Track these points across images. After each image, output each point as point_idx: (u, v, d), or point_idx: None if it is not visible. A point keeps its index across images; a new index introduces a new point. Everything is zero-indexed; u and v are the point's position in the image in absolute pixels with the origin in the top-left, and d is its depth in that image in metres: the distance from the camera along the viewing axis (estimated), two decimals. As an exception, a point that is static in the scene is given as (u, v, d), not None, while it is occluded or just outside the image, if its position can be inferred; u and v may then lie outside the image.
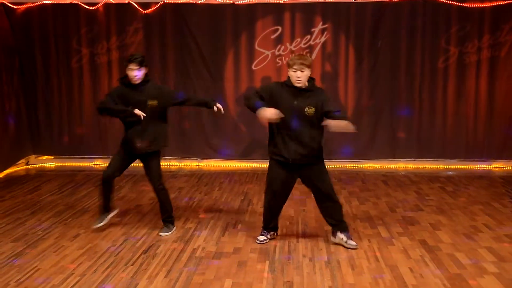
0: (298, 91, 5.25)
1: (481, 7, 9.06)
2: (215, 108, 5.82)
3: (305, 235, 5.82)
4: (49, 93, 9.66)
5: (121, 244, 5.55)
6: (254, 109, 5.24)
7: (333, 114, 5.20)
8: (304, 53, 5.04)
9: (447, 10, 9.12)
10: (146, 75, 5.71)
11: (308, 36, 9.35)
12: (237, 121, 9.59)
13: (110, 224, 6.15)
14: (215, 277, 4.73)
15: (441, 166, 9.45)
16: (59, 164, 9.74)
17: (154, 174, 5.83)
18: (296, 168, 5.38)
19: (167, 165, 9.34)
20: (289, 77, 5.29)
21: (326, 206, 5.51)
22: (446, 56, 9.27)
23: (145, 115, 5.58)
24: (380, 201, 7.27)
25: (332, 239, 5.57)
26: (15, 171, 9.25)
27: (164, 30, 9.43)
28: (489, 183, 8.32)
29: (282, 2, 9.26)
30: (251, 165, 9.53)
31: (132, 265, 5.00)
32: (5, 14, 9.20)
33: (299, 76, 5.19)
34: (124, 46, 9.46)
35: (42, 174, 9.05)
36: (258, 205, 7.04)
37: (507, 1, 8.98)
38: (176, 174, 8.89)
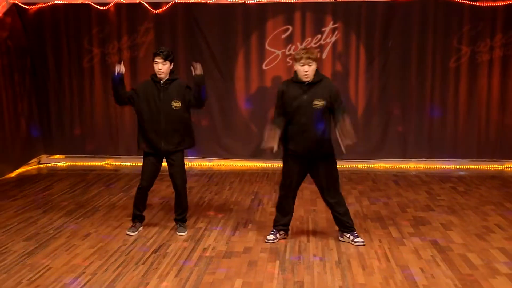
0: (306, 86, 5.26)
1: (493, 6, 9.00)
2: (193, 72, 5.64)
3: (315, 235, 5.81)
4: (60, 93, 9.72)
5: (132, 243, 5.57)
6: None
7: (336, 109, 5.27)
8: (309, 46, 5.07)
9: (459, 9, 9.07)
10: (172, 72, 5.67)
11: (319, 36, 9.33)
12: (248, 121, 9.59)
13: (120, 224, 6.18)
14: (226, 276, 4.73)
15: (453, 166, 9.40)
16: (71, 163, 9.80)
17: (178, 172, 5.81)
18: (307, 162, 5.40)
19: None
20: (295, 72, 5.30)
21: (329, 203, 5.53)
22: (458, 55, 9.21)
23: (119, 70, 5.58)
24: (391, 201, 7.24)
25: (340, 239, 5.59)
26: (27, 170, 9.31)
27: (175, 29, 9.45)
28: (501, 183, 8.26)
29: (292, 1, 9.25)
30: (262, 164, 9.53)
31: (142, 264, 5.02)
32: (17, 14, 9.27)
33: (307, 71, 5.20)
34: (135, 46, 9.50)
35: (54, 174, 9.11)
36: (269, 204, 7.03)
37: (520, 0, 8.93)
38: (186, 174, 8.88)
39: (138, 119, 5.79)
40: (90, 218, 6.48)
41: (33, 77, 9.60)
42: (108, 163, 9.80)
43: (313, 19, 9.32)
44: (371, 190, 7.85)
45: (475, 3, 9.01)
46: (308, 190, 7.39)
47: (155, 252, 5.32)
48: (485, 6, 9.01)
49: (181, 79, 5.95)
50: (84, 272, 4.82)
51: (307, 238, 5.70)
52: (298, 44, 9.34)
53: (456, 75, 9.28)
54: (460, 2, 9.04)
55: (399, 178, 8.65)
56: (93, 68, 9.65)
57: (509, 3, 8.96)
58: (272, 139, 5.29)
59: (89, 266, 4.97)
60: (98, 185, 8.23)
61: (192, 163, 9.63)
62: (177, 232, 5.85)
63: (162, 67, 5.58)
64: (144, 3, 9.35)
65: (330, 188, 5.49)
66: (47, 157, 9.91)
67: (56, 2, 9.42)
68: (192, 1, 9.33)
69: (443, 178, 8.63)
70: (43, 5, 9.41)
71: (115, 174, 8.99)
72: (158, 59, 5.58)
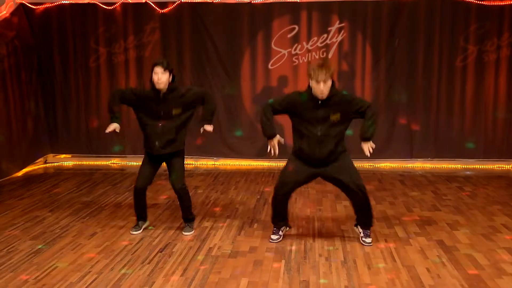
0: (320, 101, 5.20)
1: (501, 4, 8.96)
2: (201, 130, 5.78)
3: (321, 235, 5.80)
4: (67, 92, 9.76)
5: (137, 243, 5.58)
6: (265, 133, 5.41)
7: (364, 113, 5.24)
8: (322, 62, 5.01)
9: (466, 8, 9.04)
10: (171, 83, 5.63)
11: (325, 35, 9.32)
12: (254, 120, 9.59)
13: (126, 223, 6.20)
14: (231, 276, 4.73)
15: (459, 165, 9.37)
16: (77, 162, 9.84)
17: (176, 174, 5.75)
18: (314, 170, 5.38)
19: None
20: (309, 86, 5.23)
21: (353, 201, 5.49)
22: (465, 54, 9.18)
23: (112, 130, 5.72)
24: (397, 200, 7.23)
25: (354, 228, 5.65)
26: (34, 170, 9.35)
27: (181, 29, 9.46)
28: (508, 183, 8.22)
29: (298, 1, 9.24)
30: (267, 164, 9.53)
31: (148, 263, 5.03)
32: (24, 14, 9.30)
33: (323, 89, 5.10)
34: (141, 45, 9.52)
35: (60, 173, 9.14)
36: (274, 204, 7.03)
37: (527, -1, 8.88)
38: (192, 173, 8.92)
39: (138, 123, 5.83)
40: (96, 217, 6.50)
41: (40, 77, 9.63)
42: (114, 162, 9.82)
43: (319, 19, 9.31)
44: (377, 189, 7.84)
45: (482, 2, 8.98)
46: (314, 190, 7.38)
47: (160, 252, 5.33)
48: (492, 5, 8.97)
49: (182, 85, 5.94)
50: (90, 271, 4.84)
51: (312, 238, 5.70)
52: (304, 43, 9.33)
53: (463, 74, 9.25)
54: (467, 0, 9.00)
55: (405, 177, 8.63)
56: (99, 68, 9.67)
57: (516, 2, 8.94)
58: (275, 147, 5.38)
59: (95, 265, 4.99)
60: (104, 184, 8.25)
61: (198, 163, 9.65)
62: (183, 232, 5.85)
63: (161, 77, 5.52)
64: (150, 3, 9.37)
65: (355, 178, 5.36)
66: (53, 156, 9.95)
67: (62, 1, 9.44)
68: (198, 1, 9.33)
69: (450, 177, 8.60)
70: (50, 4, 9.44)
71: (121, 174, 9.02)
72: (157, 69, 5.54)
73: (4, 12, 8.77)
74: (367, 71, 9.39)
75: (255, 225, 6.16)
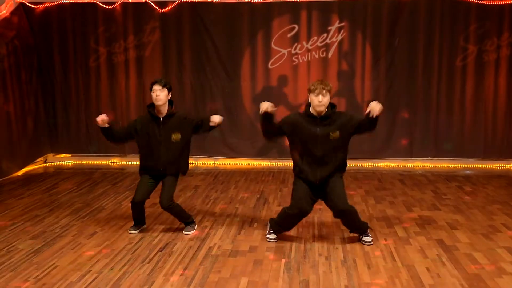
0: (319, 119, 5.30)
1: (500, 4, 8.97)
2: (212, 123, 5.81)
3: (321, 234, 5.81)
4: (67, 91, 9.77)
5: (137, 242, 5.59)
6: (261, 118, 5.47)
7: (363, 119, 5.28)
8: (322, 79, 5.13)
9: (466, 8, 9.05)
10: (170, 106, 5.66)
11: (325, 35, 9.32)
12: (254, 120, 9.59)
13: (126, 222, 6.20)
14: (231, 275, 4.73)
15: (459, 165, 9.38)
16: (77, 162, 9.84)
17: (166, 193, 5.73)
18: (319, 187, 5.42)
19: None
20: (307, 106, 5.36)
21: (340, 219, 5.53)
22: (465, 54, 9.19)
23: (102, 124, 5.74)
24: (397, 200, 7.23)
25: (350, 232, 5.65)
26: (34, 169, 9.35)
27: (181, 28, 9.46)
28: (508, 182, 8.23)
29: (298, 0, 9.24)
30: (267, 163, 9.53)
31: (148, 262, 5.03)
32: (24, 13, 9.31)
33: (321, 100, 5.23)
34: (141, 45, 9.53)
35: (60, 172, 9.14)
36: (274, 203, 7.04)
37: (527, -2, 8.88)
38: (192, 173, 8.92)
39: (138, 150, 5.83)
40: (96, 217, 6.50)
41: (40, 76, 9.64)
42: (114, 161, 9.83)
43: (319, 18, 9.31)
44: (377, 189, 7.84)
45: (482, 2, 8.98)
46: (313, 189, 7.38)
47: (160, 251, 5.33)
48: (492, 4, 8.97)
49: (180, 110, 5.92)
50: (90, 271, 4.84)
51: (312, 237, 5.70)
52: (304, 43, 9.33)
53: (463, 74, 9.25)
54: (467, 0, 9.00)
55: (405, 177, 8.64)
56: (99, 67, 9.68)
57: (516, 2, 8.94)
58: (267, 103, 5.36)
59: (95, 264, 4.99)
60: (104, 183, 8.25)
61: (198, 162, 9.65)
62: (183, 231, 5.86)
63: (159, 94, 5.55)
64: (150, 2, 9.37)
65: (342, 196, 5.39)
66: (53, 155, 9.96)
67: (62, 1, 9.45)
68: (198, 0, 9.33)
69: (449, 177, 8.60)
70: (50, 4, 9.44)
71: (121, 173, 9.02)
72: (156, 87, 5.58)
73: (4, 11, 8.77)
74: (367, 71, 9.39)
75: (255, 225, 6.16)
